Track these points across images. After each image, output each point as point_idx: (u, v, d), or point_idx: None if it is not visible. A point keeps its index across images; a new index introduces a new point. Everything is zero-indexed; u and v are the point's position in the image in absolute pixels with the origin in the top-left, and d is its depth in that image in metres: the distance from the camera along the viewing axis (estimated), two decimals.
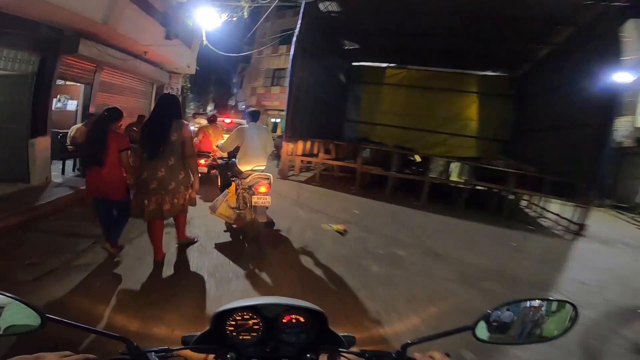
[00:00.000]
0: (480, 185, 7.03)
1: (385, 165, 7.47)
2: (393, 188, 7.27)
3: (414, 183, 7.26)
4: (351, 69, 11.42)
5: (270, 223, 4.06)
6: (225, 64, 21.97)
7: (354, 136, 11.24)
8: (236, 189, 3.59)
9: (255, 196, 3.44)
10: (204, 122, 7.78)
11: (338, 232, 4.43)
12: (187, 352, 0.72)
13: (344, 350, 0.74)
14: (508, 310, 0.66)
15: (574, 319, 0.65)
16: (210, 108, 24.80)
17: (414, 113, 10.72)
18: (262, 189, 3.46)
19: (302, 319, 0.76)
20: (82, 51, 5.51)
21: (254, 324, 0.74)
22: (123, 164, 2.94)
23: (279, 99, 19.33)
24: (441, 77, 10.51)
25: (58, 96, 7.48)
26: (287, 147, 7.97)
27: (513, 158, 8.37)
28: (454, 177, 8.35)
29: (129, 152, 2.96)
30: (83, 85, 7.02)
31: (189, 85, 13.44)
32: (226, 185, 3.95)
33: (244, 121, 6.20)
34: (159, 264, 2.94)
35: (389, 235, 4.66)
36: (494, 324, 0.66)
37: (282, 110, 19.51)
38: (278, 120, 20.92)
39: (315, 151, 8.84)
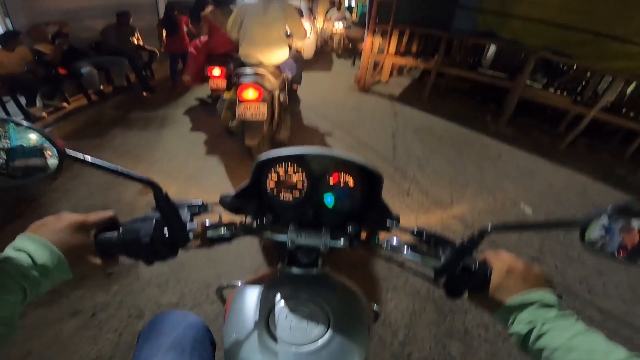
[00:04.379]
0: None
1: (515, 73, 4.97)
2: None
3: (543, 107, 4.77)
4: None
5: (281, 143, 3.16)
6: None
7: (469, 28, 7.72)
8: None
9: (239, 104, 2.48)
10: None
11: None
12: (223, 210, 0.67)
13: (396, 226, 0.66)
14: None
15: None
16: None
17: (587, 10, 6.58)
18: (249, 94, 2.45)
19: (350, 182, 0.67)
20: None
21: (298, 181, 0.67)
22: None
23: None
24: None
25: None
26: (371, 40, 5.51)
27: None
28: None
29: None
30: None
31: None
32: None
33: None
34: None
35: None
36: (613, 227, 0.45)
37: None
38: (353, 2, 16.76)
39: (414, 49, 6.31)
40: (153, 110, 4.47)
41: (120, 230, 0.55)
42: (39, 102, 4.11)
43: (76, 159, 0.48)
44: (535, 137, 4.58)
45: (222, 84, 3.85)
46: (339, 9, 10.04)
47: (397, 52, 5.94)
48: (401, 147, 3.68)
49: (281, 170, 0.67)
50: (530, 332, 0.46)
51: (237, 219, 0.68)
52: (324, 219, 0.69)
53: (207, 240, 0.60)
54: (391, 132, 4.05)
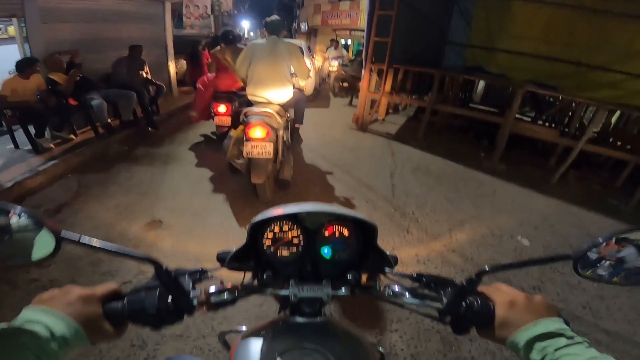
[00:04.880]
0: None
1: (504, 107, 5.13)
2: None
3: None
4: None
5: (284, 181, 3.21)
6: None
7: (459, 63, 8.23)
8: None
9: (247, 142, 2.57)
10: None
11: None
12: (223, 272, 0.68)
13: (394, 272, 0.69)
14: (626, 240, 0.49)
15: None
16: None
17: (567, 41, 7.01)
18: (256, 133, 2.55)
19: (346, 233, 0.69)
20: None
21: (294, 237, 0.69)
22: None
23: (349, 16, 16.16)
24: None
25: None
26: (368, 79, 5.75)
27: None
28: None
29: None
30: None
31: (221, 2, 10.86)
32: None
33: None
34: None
35: None
36: (604, 255, 0.51)
37: (355, 30, 16.43)
38: (349, 41, 17.64)
39: (408, 86, 6.49)
40: (158, 146, 4.56)
41: (125, 301, 0.57)
42: (47, 133, 4.11)
43: (72, 241, 0.49)
44: (528, 172, 4.67)
45: (227, 121, 3.97)
46: (336, 47, 10.47)
47: (392, 90, 6.13)
48: (400, 187, 3.78)
49: (276, 228, 0.69)
50: None
51: (238, 279, 0.70)
52: (324, 270, 0.70)
53: (212, 305, 0.62)
54: (389, 172, 4.15)
